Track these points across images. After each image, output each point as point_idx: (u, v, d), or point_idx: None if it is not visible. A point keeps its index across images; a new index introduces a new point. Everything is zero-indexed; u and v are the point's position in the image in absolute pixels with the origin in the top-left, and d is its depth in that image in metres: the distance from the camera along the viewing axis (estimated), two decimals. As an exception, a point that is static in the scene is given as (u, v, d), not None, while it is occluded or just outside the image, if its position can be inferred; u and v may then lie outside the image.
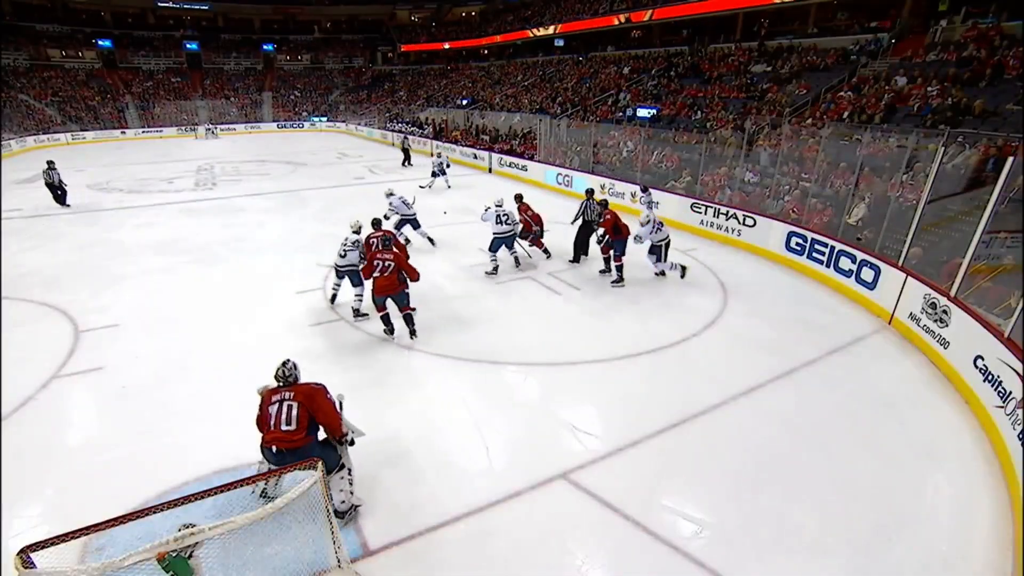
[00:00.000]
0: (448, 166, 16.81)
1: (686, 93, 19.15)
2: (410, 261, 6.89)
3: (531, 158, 18.01)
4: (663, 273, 8.56)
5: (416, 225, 10.16)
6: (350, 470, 3.91)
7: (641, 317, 7.30)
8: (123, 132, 34.69)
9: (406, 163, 20.86)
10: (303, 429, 3.61)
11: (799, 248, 8.98)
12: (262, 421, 3.70)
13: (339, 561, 3.26)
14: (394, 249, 6.65)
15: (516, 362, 6.08)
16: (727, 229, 10.60)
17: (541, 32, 32.32)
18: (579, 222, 9.46)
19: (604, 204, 8.64)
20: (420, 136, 26.24)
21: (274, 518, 3.45)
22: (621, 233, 8.20)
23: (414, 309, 6.54)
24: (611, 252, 8.37)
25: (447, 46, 42.80)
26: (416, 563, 3.62)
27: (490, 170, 19.32)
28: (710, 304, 7.69)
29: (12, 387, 5.58)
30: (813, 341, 6.57)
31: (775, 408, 5.30)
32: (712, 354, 6.34)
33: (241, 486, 2.79)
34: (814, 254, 8.64)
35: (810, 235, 8.75)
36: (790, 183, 11.00)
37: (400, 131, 23.84)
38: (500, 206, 8.63)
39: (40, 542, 2.36)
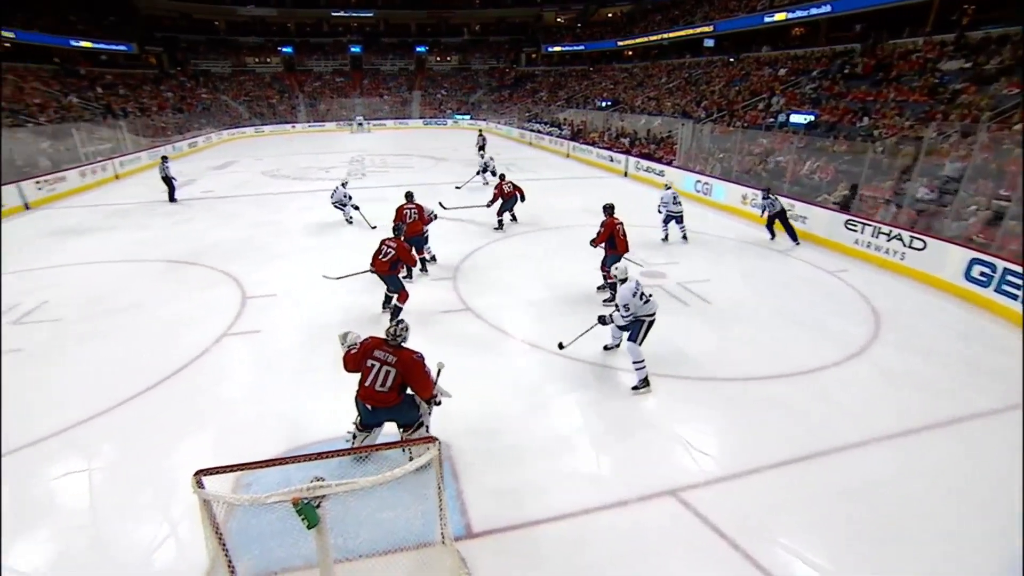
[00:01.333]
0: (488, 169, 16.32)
1: (852, 97, 17.23)
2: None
3: (669, 163, 17.44)
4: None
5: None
6: (427, 427, 4.21)
7: (773, 338, 6.76)
8: (293, 126, 39.48)
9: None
10: (395, 391, 4.00)
11: (984, 279, 7.71)
12: (359, 371, 4.06)
13: (443, 538, 3.44)
14: (402, 239, 7.20)
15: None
16: (888, 251, 9.40)
17: (690, 32, 31.13)
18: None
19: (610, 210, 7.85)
20: (557, 137, 26.58)
21: (391, 486, 3.76)
22: (616, 248, 7.54)
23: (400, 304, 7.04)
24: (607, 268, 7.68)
25: (589, 47, 42.84)
26: (514, 554, 3.71)
27: (626, 174, 19.03)
28: (857, 331, 6.91)
29: (197, 338, 6.68)
30: (988, 389, 5.62)
31: (929, 461, 4.63)
32: (854, 388, 5.70)
33: (366, 452, 3.07)
34: (1004, 287, 7.38)
35: (1001, 264, 7.47)
36: (979, 202, 9.47)
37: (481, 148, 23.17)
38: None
39: (207, 469, 2.80)
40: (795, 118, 17.47)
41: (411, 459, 3.68)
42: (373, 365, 4.00)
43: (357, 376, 4.13)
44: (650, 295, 5.55)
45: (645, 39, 36.05)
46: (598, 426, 5.07)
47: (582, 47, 43.80)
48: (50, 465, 4.62)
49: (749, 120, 19.35)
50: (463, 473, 4.43)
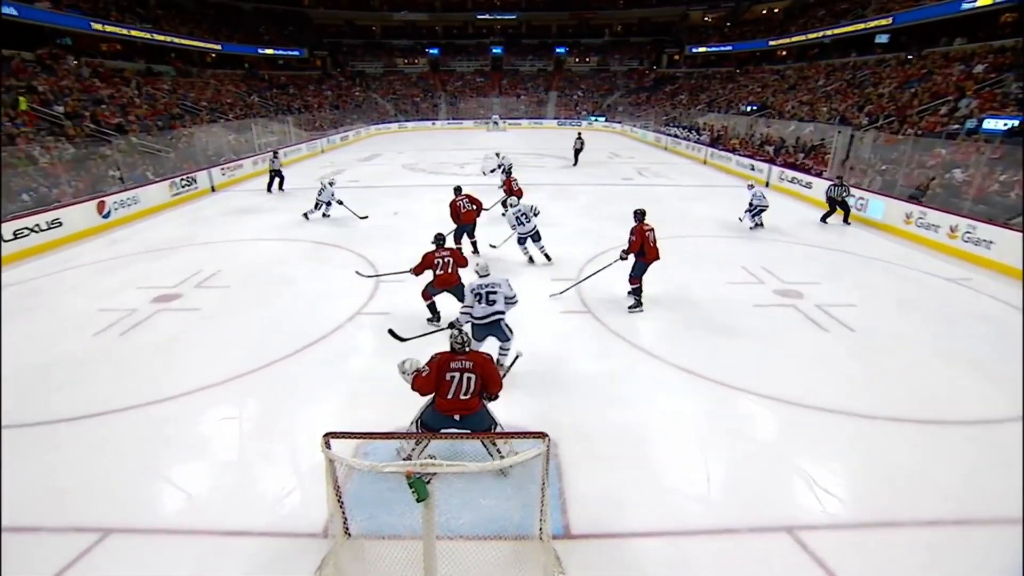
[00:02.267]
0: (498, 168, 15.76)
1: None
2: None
3: (819, 174, 15.93)
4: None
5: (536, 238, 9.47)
6: (499, 424, 4.25)
7: (931, 378, 5.90)
8: (433, 123, 41.99)
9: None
10: (477, 395, 3.98)
11: None
12: (439, 387, 3.98)
13: (541, 534, 3.47)
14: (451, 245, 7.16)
15: (758, 393, 5.55)
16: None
17: (860, 27, 28.04)
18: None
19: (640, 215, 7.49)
20: (695, 142, 25.49)
21: (496, 476, 3.88)
22: (646, 256, 7.23)
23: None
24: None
25: (737, 47, 40.39)
26: (611, 562, 3.65)
27: (767, 184, 17.73)
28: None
29: (335, 313, 7.39)
30: None
31: None
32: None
33: (477, 438, 3.19)
34: None
35: None
36: None
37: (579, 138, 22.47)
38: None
39: (335, 432, 3.10)
40: (990, 123, 15.05)
41: (500, 456, 3.79)
42: (453, 377, 3.97)
43: None
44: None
45: (802, 37, 33.20)
46: (712, 446, 4.79)
47: (729, 47, 41.44)
48: (212, 408, 5.40)
49: (925, 127, 17.06)
50: (567, 473, 4.43)
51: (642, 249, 7.25)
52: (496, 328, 5.57)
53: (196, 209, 14.84)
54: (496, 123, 39.82)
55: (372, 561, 3.45)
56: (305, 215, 12.95)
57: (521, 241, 9.57)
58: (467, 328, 5.46)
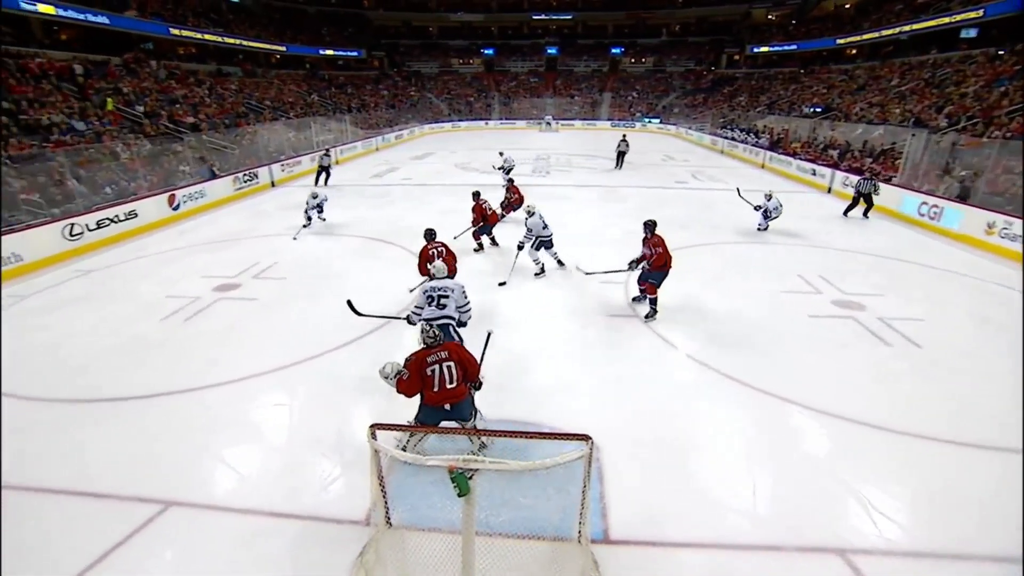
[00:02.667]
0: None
1: None
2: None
3: (888, 180, 15.10)
4: None
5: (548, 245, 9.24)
6: (480, 412, 4.38)
7: (1011, 402, 5.49)
8: (486, 123, 42.34)
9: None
10: (461, 382, 4.15)
11: None
12: (424, 384, 4.08)
13: (580, 537, 3.46)
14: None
15: (811, 407, 5.32)
16: None
17: (945, 21, 26.29)
18: None
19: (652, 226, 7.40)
20: (753, 145, 24.70)
21: (537, 476, 3.88)
22: (666, 266, 7.09)
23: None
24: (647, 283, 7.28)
25: (802, 46, 38.79)
26: (650, 571, 3.59)
27: (829, 190, 16.98)
28: None
29: (384, 307, 7.55)
30: None
31: None
32: None
33: (519, 437, 3.20)
34: None
35: None
36: None
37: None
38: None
39: (381, 424, 3.19)
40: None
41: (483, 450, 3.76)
42: (434, 371, 4.07)
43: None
44: None
45: (875, 34, 31.49)
46: (760, 459, 4.63)
47: (794, 47, 39.80)
48: (264, 395, 5.65)
49: (1015, 129, 15.89)
50: (609, 477, 4.39)
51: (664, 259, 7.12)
52: (445, 333, 5.27)
53: (257, 203, 15.53)
54: (548, 123, 39.77)
55: (411, 551, 3.51)
56: (295, 236, 11.67)
57: (539, 247, 9.23)
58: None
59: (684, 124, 36.74)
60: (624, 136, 22.01)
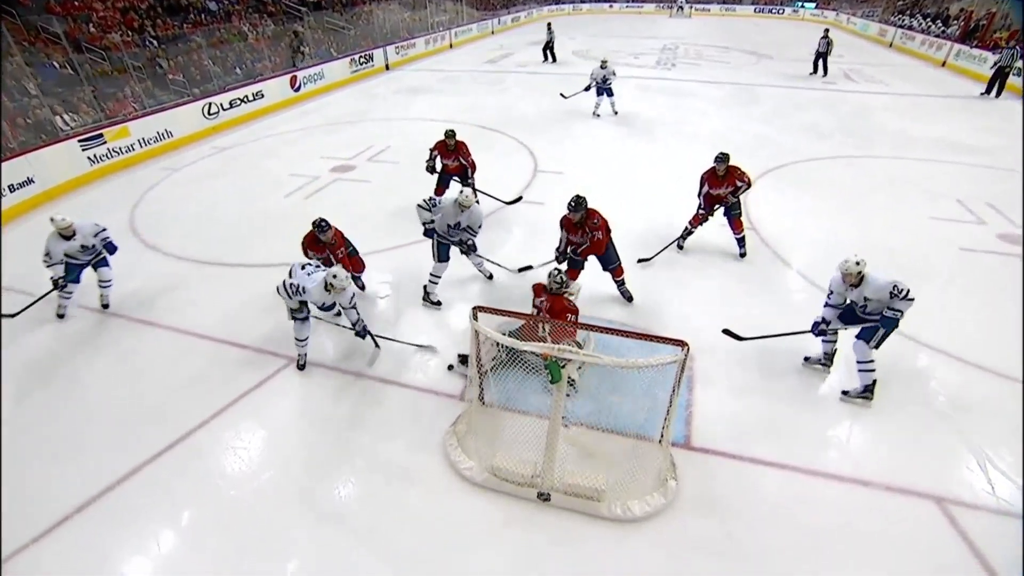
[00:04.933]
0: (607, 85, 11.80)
1: None
2: None
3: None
4: None
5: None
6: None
7: None
8: (611, 6, 39.10)
9: (548, 58, 19.28)
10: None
11: None
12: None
13: (662, 438, 3.60)
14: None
15: (942, 351, 4.88)
16: None
17: None
18: None
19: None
20: (935, 36, 20.72)
21: (627, 375, 4.01)
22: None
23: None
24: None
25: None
26: (726, 481, 3.69)
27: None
28: None
29: (490, 202, 7.68)
30: None
31: None
32: None
33: (616, 334, 3.30)
34: None
35: None
36: None
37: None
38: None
39: (483, 307, 3.42)
40: None
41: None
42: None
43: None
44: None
45: None
46: (875, 397, 4.41)
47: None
48: (376, 273, 6.15)
49: None
50: (701, 386, 4.45)
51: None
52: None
53: (372, 86, 15.93)
54: (680, 8, 35.94)
55: (500, 428, 3.87)
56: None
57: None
58: None
59: (847, 10, 31.57)
60: (827, 31, 17.09)
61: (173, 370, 4.80)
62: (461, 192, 5.17)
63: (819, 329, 4.38)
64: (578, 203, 4.98)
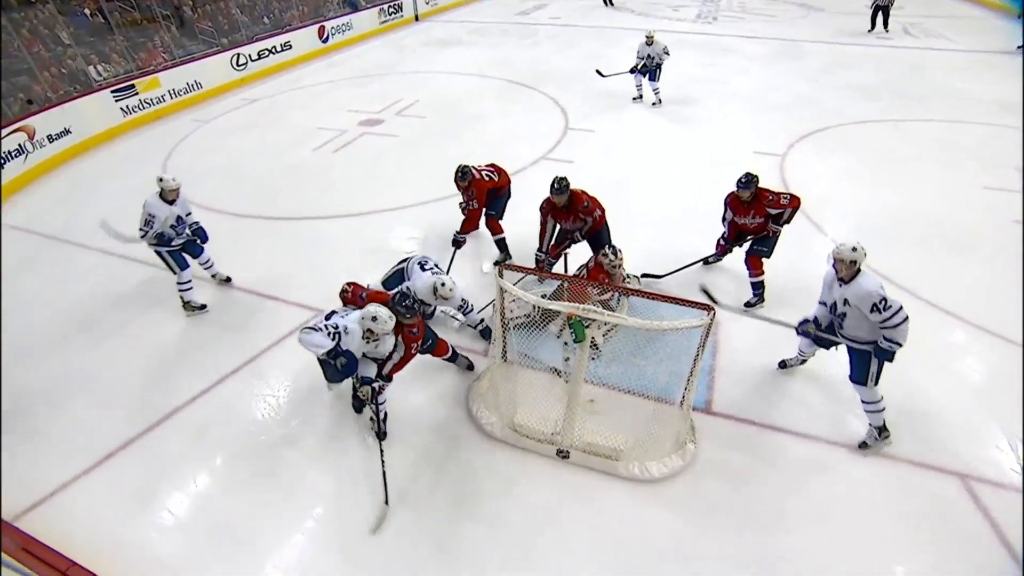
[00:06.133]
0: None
1: None
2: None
3: None
4: None
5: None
6: None
7: None
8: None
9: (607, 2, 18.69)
10: None
11: None
12: None
13: (683, 402, 3.64)
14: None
15: (981, 327, 4.73)
16: None
17: None
18: None
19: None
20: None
21: (650, 338, 4.04)
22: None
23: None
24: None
25: None
26: (744, 445, 3.74)
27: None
28: None
29: (520, 154, 7.67)
30: None
31: None
32: None
33: (643, 296, 3.31)
34: None
35: None
36: None
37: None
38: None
39: (508, 264, 3.48)
40: None
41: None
42: None
43: None
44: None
45: None
46: (904, 370, 4.05)
47: None
48: (401, 227, 6.26)
49: None
50: (724, 352, 4.46)
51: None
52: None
53: (400, 38, 15.70)
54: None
55: (522, 384, 3.94)
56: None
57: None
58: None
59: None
60: None
61: (203, 320, 5.01)
62: (443, 284, 4.04)
63: (803, 329, 3.68)
64: (561, 184, 4.58)
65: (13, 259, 6.21)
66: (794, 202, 4.67)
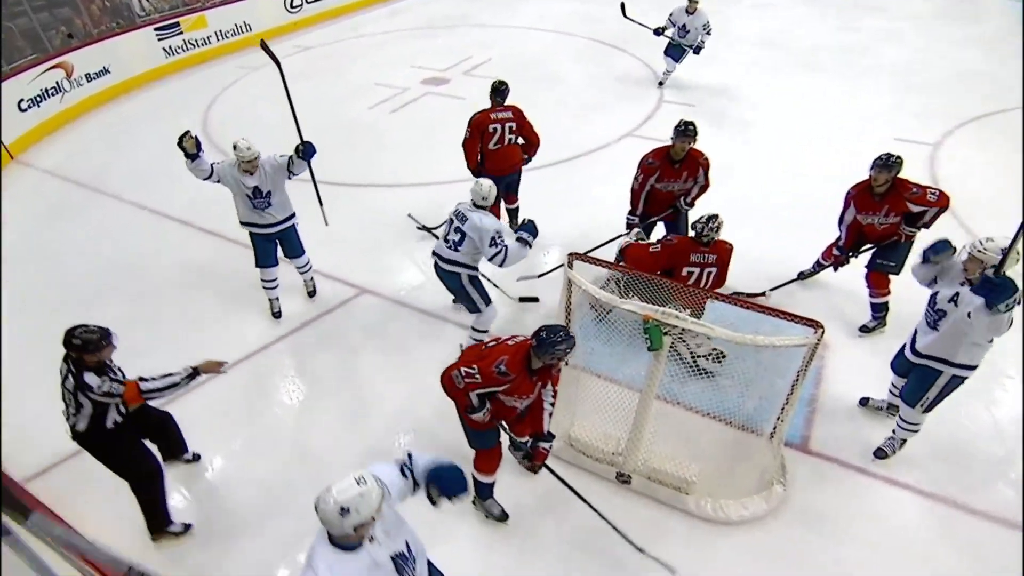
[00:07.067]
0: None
1: None
2: None
3: None
4: None
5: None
6: None
7: None
8: None
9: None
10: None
11: None
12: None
13: (774, 433, 3.56)
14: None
15: None
16: None
17: None
18: None
19: None
20: None
21: (742, 354, 3.97)
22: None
23: None
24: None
25: None
26: (844, 498, 3.66)
27: None
28: None
29: (602, 129, 7.71)
30: None
31: None
32: None
33: (736, 304, 3.29)
34: None
35: None
36: None
37: None
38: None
39: (579, 253, 3.54)
40: None
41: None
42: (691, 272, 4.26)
43: None
44: None
45: None
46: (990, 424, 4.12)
47: None
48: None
49: None
50: (829, 381, 4.37)
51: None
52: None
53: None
54: None
55: (584, 392, 3.96)
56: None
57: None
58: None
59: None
60: None
61: (238, 282, 5.37)
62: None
63: (937, 248, 3.38)
64: (688, 128, 4.58)
65: (42, 205, 6.80)
66: (943, 200, 4.33)
